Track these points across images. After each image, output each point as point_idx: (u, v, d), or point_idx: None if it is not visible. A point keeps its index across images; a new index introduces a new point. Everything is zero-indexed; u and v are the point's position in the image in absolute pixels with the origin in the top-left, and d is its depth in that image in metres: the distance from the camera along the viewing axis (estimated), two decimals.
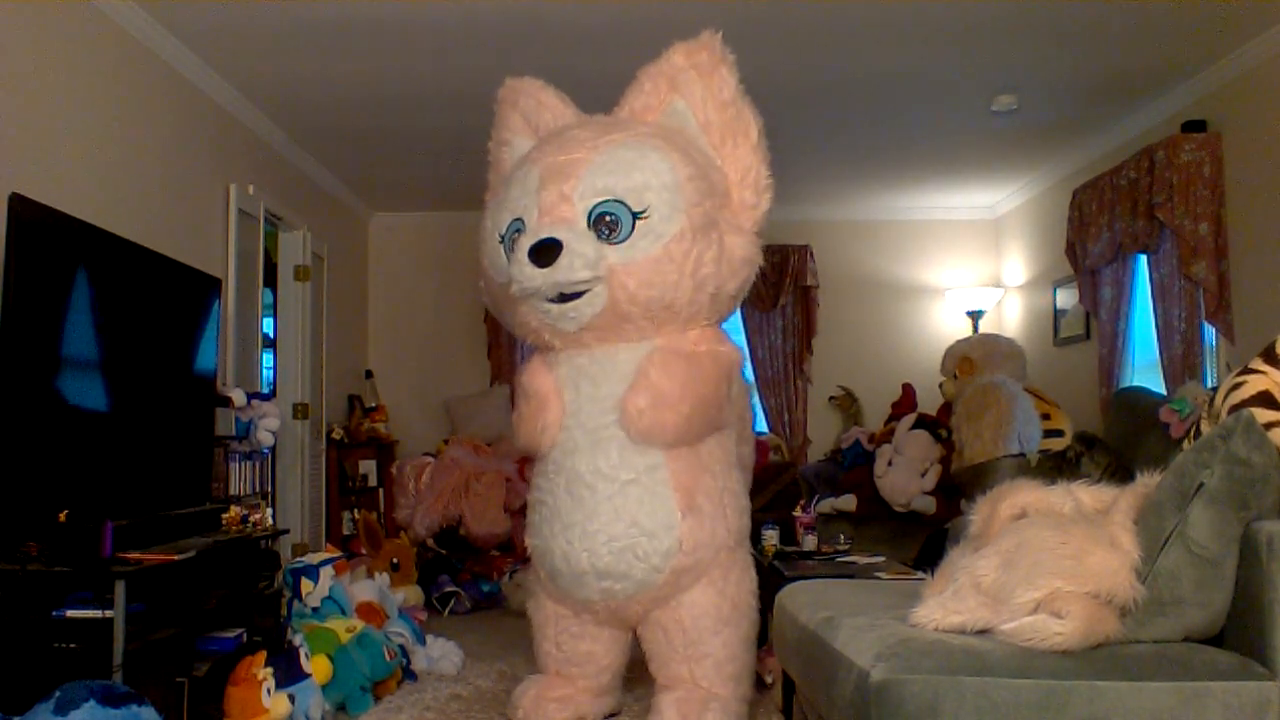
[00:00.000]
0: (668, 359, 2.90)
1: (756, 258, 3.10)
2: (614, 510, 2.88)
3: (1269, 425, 2.15)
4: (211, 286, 4.12)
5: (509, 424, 6.65)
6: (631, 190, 2.85)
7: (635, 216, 2.84)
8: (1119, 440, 4.41)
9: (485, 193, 3.32)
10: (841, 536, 4.44)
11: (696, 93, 3.04)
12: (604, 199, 2.85)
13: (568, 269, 2.78)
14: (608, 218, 2.85)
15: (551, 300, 2.86)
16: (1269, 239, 4.25)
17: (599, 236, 2.84)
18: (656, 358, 2.91)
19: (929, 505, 5.39)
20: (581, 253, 2.78)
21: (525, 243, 2.82)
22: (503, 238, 2.98)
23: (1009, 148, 5.84)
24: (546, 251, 2.78)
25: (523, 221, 2.91)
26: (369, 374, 7.11)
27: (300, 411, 5.61)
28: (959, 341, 5.78)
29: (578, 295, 2.85)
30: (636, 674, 3.41)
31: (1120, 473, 3.98)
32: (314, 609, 3.80)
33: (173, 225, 4.23)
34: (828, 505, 5.48)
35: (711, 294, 3.01)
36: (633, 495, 2.88)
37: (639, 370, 2.90)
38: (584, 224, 2.85)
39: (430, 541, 5.79)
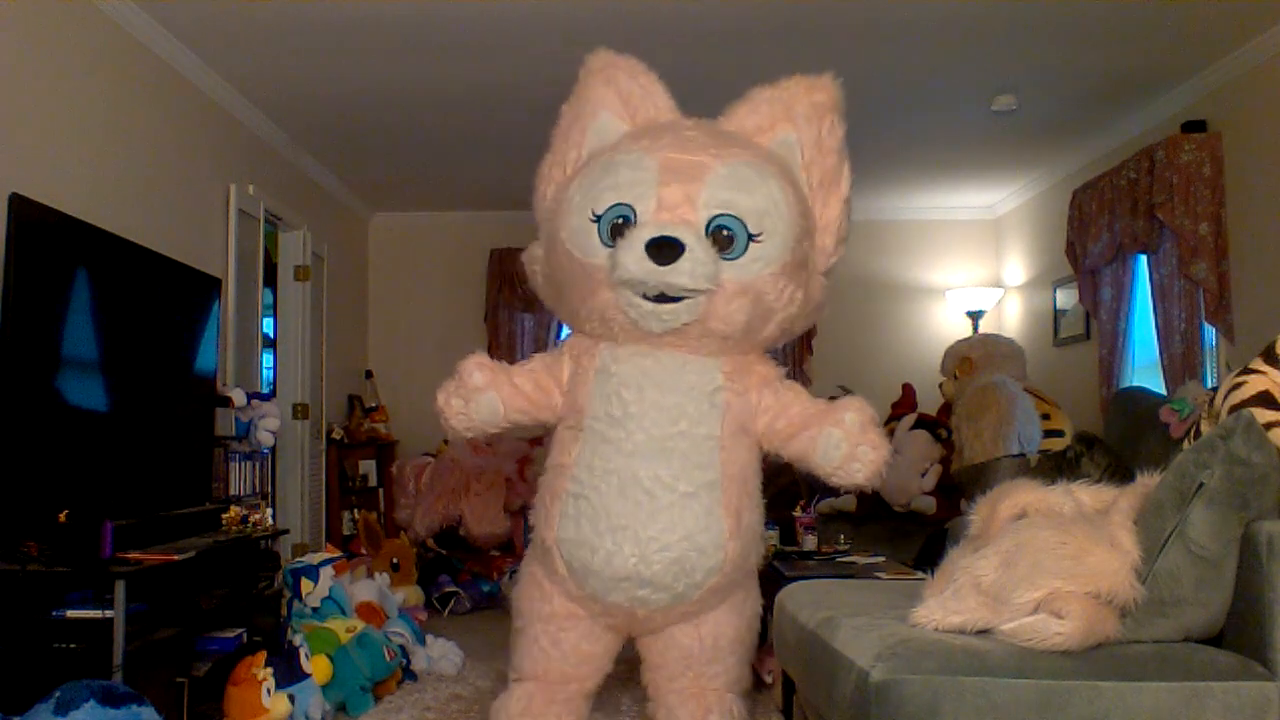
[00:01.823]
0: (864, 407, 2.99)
1: (827, 304, 3.16)
2: (671, 521, 2.81)
3: (1269, 425, 2.15)
4: (211, 286, 4.12)
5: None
6: (753, 211, 2.80)
7: (750, 238, 2.80)
8: (1119, 440, 4.41)
9: (547, 154, 3.16)
10: (841, 536, 4.45)
11: (810, 132, 2.99)
12: (725, 212, 2.79)
13: (688, 274, 2.70)
14: (725, 232, 2.79)
15: (649, 298, 2.78)
16: (1269, 239, 4.26)
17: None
18: (860, 405, 2.98)
19: (929, 505, 5.40)
20: (703, 261, 2.72)
21: (642, 234, 2.72)
22: (598, 217, 2.85)
23: (1009, 148, 5.84)
24: (668, 249, 2.69)
25: (633, 210, 2.81)
26: (369, 374, 7.11)
27: (300, 411, 5.61)
28: (959, 341, 5.77)
29: (677, 300, 2.77)
30: (636, 674, 3.41)
31: (1120, 473, 3.97)
32: (314, 609, 3.80)
33: (173, 225, 4.23)
34: (828, 505, 5.48)
35: (784, 330, 3.04)
36: (690, 510, 2.83)
37: (859, 423, 2.91)
38: (703, 231, 2.79)
39: (430, 541, 5.79)
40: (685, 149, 2.86)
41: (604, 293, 2.85)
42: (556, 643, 3.04)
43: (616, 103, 3.07)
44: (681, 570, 2.84)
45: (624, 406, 2.87)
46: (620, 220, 2.82)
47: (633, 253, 2.72)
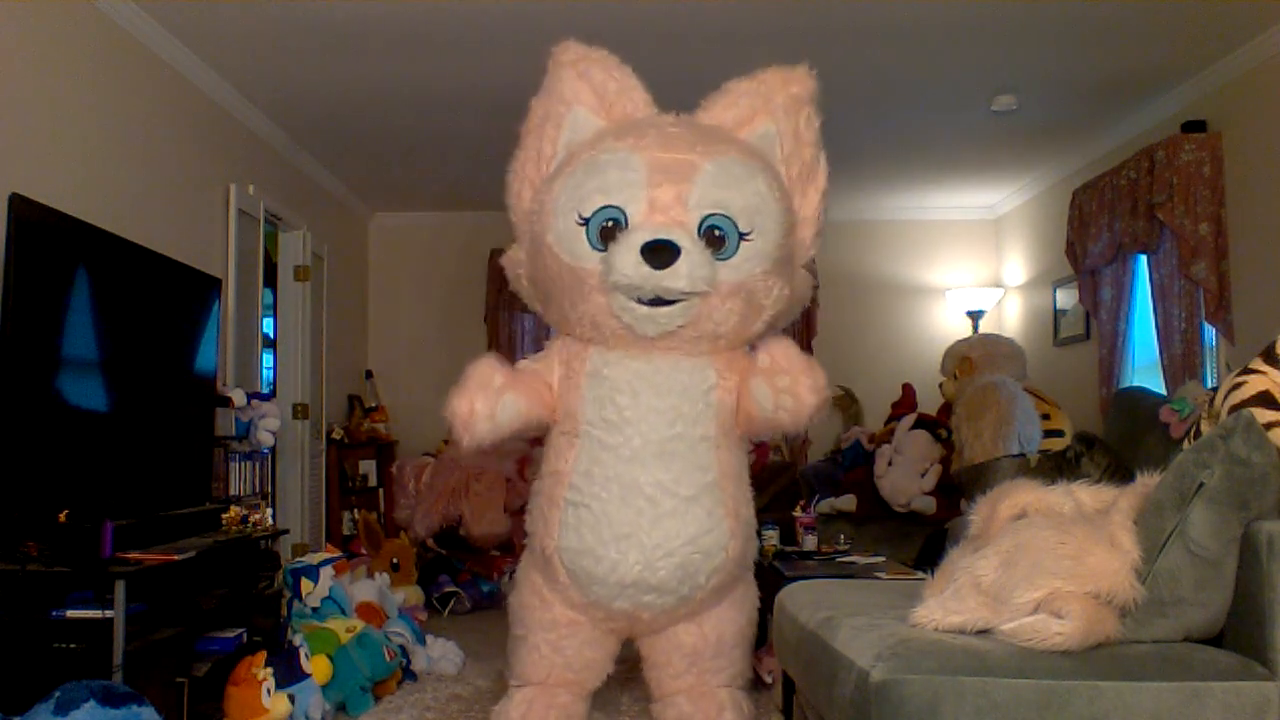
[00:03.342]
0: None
1: (808, 297, 3.15)
2: (675, 527, 2.81)
3: (1269, 425, 2.15)
4: (211, 286, 4.12)
5: None
6: (743, 210, 2.78)
7: (741, 237, 2.78)
8: (1119, 440, 4.41)
9: (518, 152, 3.07)
10: (841, 536, 4.44)
11: (789, 124, 2.97)
12: (716, 212, 2.77)
13: (685, 277, 2.68)
14: (716, 232, 2.77)
15: (644, 302, 2.75)
16: (1269, 239, 4.25)
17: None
18: (769, 343, 2.89)
19: (929, 505, 5.39)
20: (699, 264, 2.69)
21: (636, 237, 2.69)
22: (586, 220, 2.79)
23: (1009, 148, 5.84)
24: (664, 253, 2.66)
25: (623, 212, 2.76)
26: (369, 374, 7.11)
27: (300, 411, 5.61)
28: (959, 341, 5.77)
29: (671, 303, 2.75)
30: (636, 674, 3.41)
31: (1120, 473, 3.97)
32: (314, 609, 3.80)
33: (173, 225, 4.23)
34: (828, 505, 5.47)
35: (770, 326, 3.03)
36: (693, 513, 2.82)
37: (770, 360, 2.81)
38: (696, 232, 2.76)
39: (430, 541, 5.79)
40: (671, 147, 2.81)
41: (596, 297, 2.81)
42: (559, 650, 3.03)
43: (591, 97, 2.99)
44: (686, 574, 2.84)
45: (619, 411, 2.85)
46: (610, 223, 2.77)
47: (628, 257, 2.69)
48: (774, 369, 2.82)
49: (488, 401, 2.86)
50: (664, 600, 2.87)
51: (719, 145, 2.85)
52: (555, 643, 3.02)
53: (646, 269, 2.67)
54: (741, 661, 3.12)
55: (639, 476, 2.82)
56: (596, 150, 2.85)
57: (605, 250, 2.76)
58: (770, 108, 2.98)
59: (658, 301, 2.74)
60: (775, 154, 2.97)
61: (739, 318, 2.87)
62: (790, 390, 2.79)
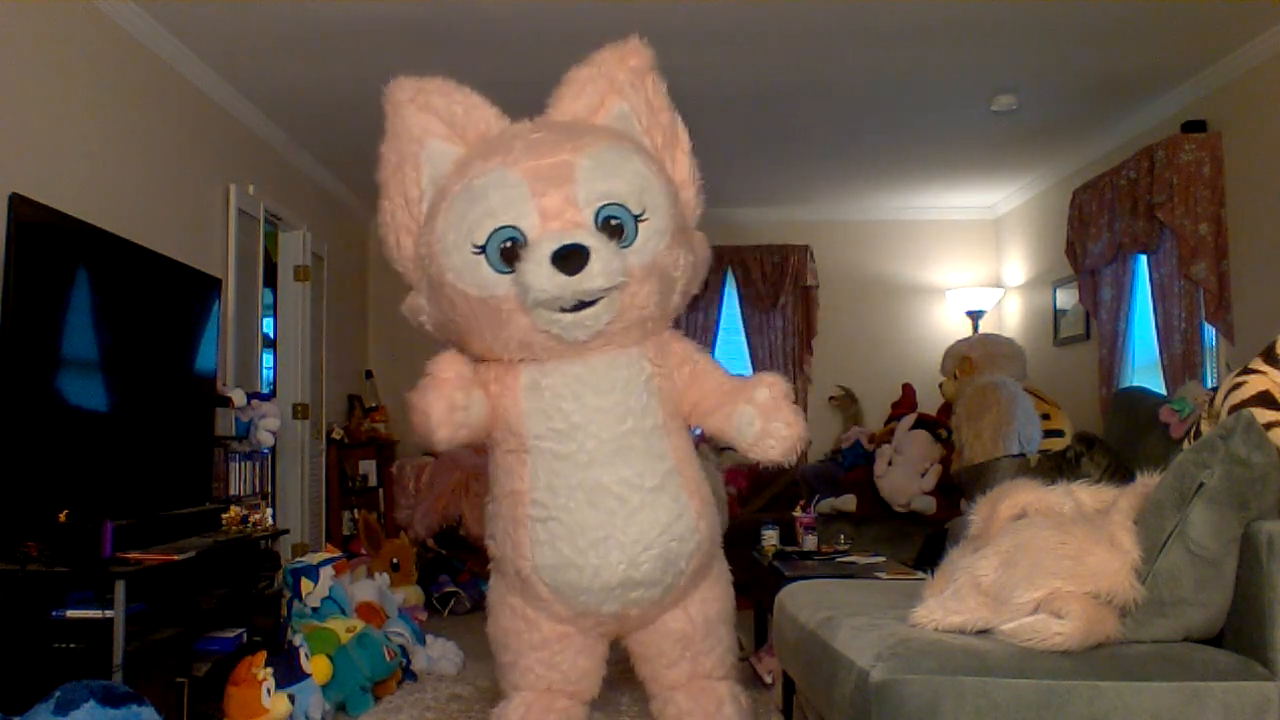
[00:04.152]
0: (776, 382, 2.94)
1: (709, 257, 3.15)
2: (649, 519, 2.81)
3: (1269, 425, 2.15)
4: (211, 286, 4.12)
5: None
6: (631, 193, 2.79)
7: (636, 220, 2.79)
8: (1119, 440, 4.41)
9: (382, 202, 3.01)
10: (841, 536, 4.44)
11: (639, 98, 2.98)
12: (608, 202, 2.77)
13: (602, 274, 2.67)
14: (613, 221, 2.77)
15: (567, 309, 2.73)
16: (1269, 239, 4.25)
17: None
18: (772, 381, 2.93)
19: (929, 505, 5.40)
20: (608, 258, 2.68)
21: (541, 250, 2.67)
22: (481, 248, 2.76)
23: (1009, 148, 5.84)
24: (575, 257, 2.65)
25: (517, 229, 2.74)
26: (369, 374, 7.10)
27: (300, 411, 5.61)
28: (959, 341, 5.77)
29: (593, 303, 2.74)
30: (633, 673, 3.40)
31: (1120, 473, 3.97)
32: (314, 609, 3.80)
33: (173, 225, 4.23)
34: (828, 505, 5.48)
35: (685, 295, 3.04)
36: (661, 503, 2.83)
37: (772, 400, 2.87)
38: (595, 228, 2.76)
39: (430, 541, 5.79)
40: (541, 153, 2.79)
41: (519, 319, 2.78)
42: (553, 666, 3.02)
43: (441, 127, 2.95)
44: (667, 563, 2.86)
45: (566, 418, 2.83)
46: (509, 243, 2.74)
47: (540, 271, 2.66)
48: (772, 411, 2.86)
49: (463, 394, 2.80)
50: (650, 593, 2.88)
51: (585, 138, 2.85)
52: (548, 660, 3.01)
53: (562, 278, 2.66)
54: (729, 637, 3.15)
55: (602, 478, 2.81)
56: (468, 177, 2.82)
57: (511, 271, 2.73)
58: (617, 87, 2.98)
59: (579, 306, 2.73)
60: (636, 129, 2.99)
61: (659, 296, 2.87)
62: (777, 437, 2.85)
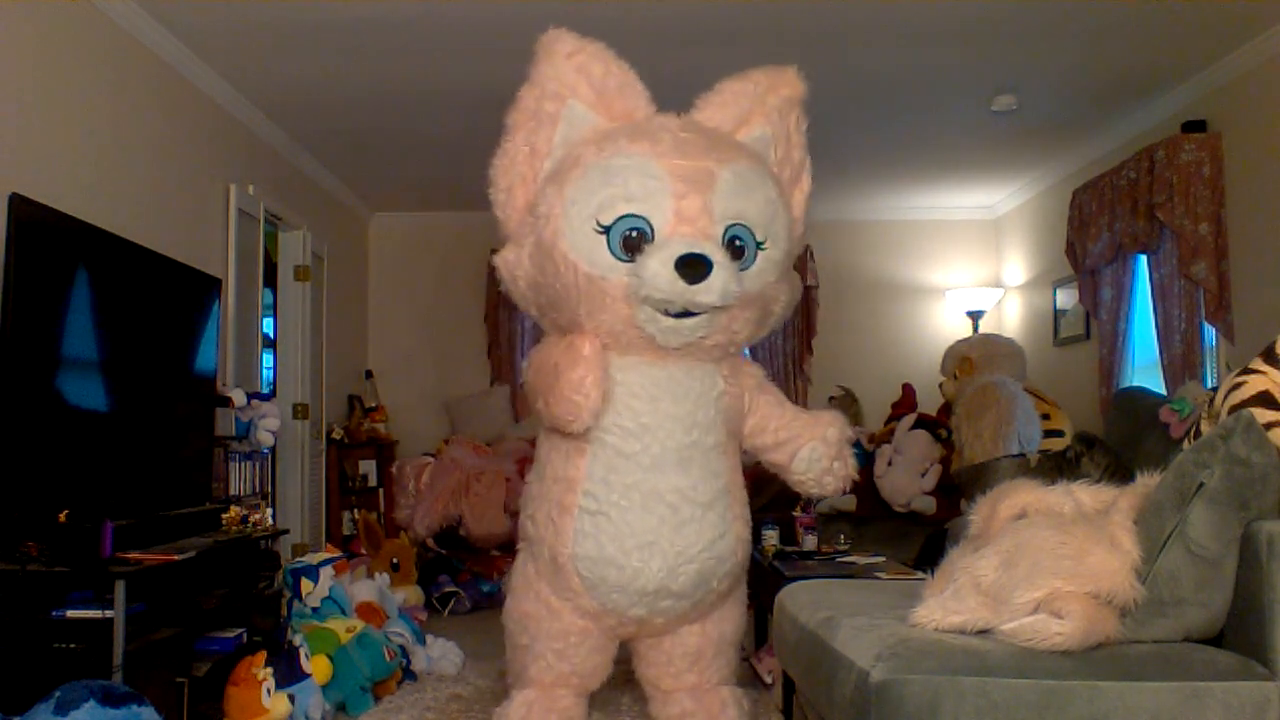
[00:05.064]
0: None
1: (799, 299, 3.20)
2: (695, 533, 2.81)
3: (1269, 425, 2.15)
4: (211, 286, 4.12)
5: (509, 424, 6.74)
6: (760, 219, 2.77)
7: (758, 246, 2.78)
8: (1119, 440, 4.41)
9: (505, 144, 2.95)
10: (841, 536, 4.44)
11: (783, 127, 2.96)
12: (737, 222, 2.74)
13: (718, 292, 2.64)
14: (737, 242, 2.75)
15: (671, 314, 2.70)
16: (1269, 239, 4.25)
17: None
18: (839, 420, 3.08)
19: (929, 505, 5.39)
20: (729, 277, 2.65)
21: (669, 251, 2.63)
22: (606, 228, 2.70)
23: (1009, 148, 5.84)
24: (698, 267, 2.61)
25: (648, 222, 2.70)
26: (369, 374, 7.11)
27: (300, 411, 5.61)
28: (959, 341, 5.78)
29: (696, 315, 2.72)
30: (634, 675, 3.40)
31: (1120, 473, 3.97)
32: (314, 609, 3.79)
33: (173, 225, 4.23)
34: (828, 505, 5.47)
35: (769, 330, 3.09)
36: (709, 520, 2.83)
37: (840, 439, 3.02)
38: (721, 244, 2.72)
39: (430, 541, 5.79)
40: (688, 154, 2.75)
41: (619, 307, 2.74)
42: (565, 658, 3.02)
43: (589, 92, 2.87)
44: (702, 579, 2.86)
45: (636, 418, 2.80)
46: (634, 232, 2.71)
47: (662, 271, 2.63)
48: (838, 450, 3.02)
49: (605, 370, 2.76)
50: (679, 605, 2.89)
51: (730, 152, 2.83)
52: (562, 651, 3.00)
53: (681, 284, 2.62)
54: (736, 658, 3.19)
55: (659, 484, 2.79)
56: (608, 154, 2.76)
57: (628, 260, 2.69)
58: (765, 110, 2.96)
59: (684, 314, 2.71)
60: (770, 157, 2.97)
61: (754, 326, 2.90)
62: (837, 476, 3.03)
